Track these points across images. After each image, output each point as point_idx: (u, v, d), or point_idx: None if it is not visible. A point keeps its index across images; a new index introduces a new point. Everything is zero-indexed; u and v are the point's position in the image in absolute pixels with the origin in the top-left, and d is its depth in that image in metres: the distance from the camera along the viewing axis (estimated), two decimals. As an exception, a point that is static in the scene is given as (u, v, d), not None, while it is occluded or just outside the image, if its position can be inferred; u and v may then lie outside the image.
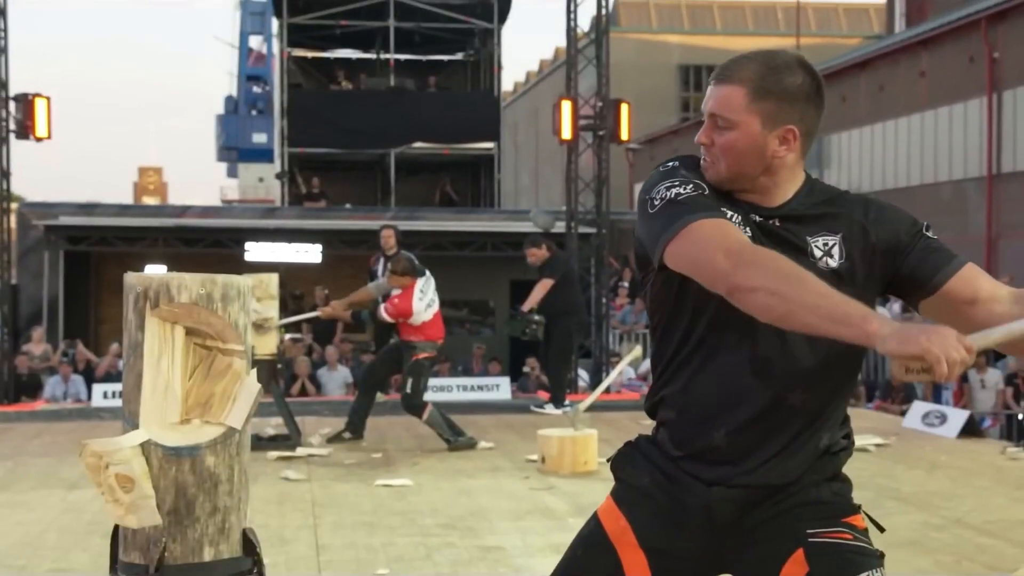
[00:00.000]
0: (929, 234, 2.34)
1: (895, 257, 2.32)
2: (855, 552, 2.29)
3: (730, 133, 2.30)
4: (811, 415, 2.33)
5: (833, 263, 2.29)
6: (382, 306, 9.07)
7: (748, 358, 2.29)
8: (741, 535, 2.33)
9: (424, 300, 9.01)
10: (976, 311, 2.26)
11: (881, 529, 2.44)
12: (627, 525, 2.40)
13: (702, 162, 2.36)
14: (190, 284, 2.39)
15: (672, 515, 2.35)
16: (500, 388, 13.60)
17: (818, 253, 2.30)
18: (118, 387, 12.14)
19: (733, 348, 2.29)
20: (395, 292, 9.07)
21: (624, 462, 2.48)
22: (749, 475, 2.30)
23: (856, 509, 2.40)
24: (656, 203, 2.30)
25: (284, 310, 13.25)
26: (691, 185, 2.31)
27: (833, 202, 2.37)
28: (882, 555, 2.33)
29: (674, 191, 2.29)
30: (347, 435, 9.28)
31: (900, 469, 8.15)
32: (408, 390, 8.96)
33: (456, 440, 8.95)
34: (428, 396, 12.11)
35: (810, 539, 2.28)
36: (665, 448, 2.39)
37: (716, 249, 2.17)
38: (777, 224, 2.30)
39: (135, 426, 2.31)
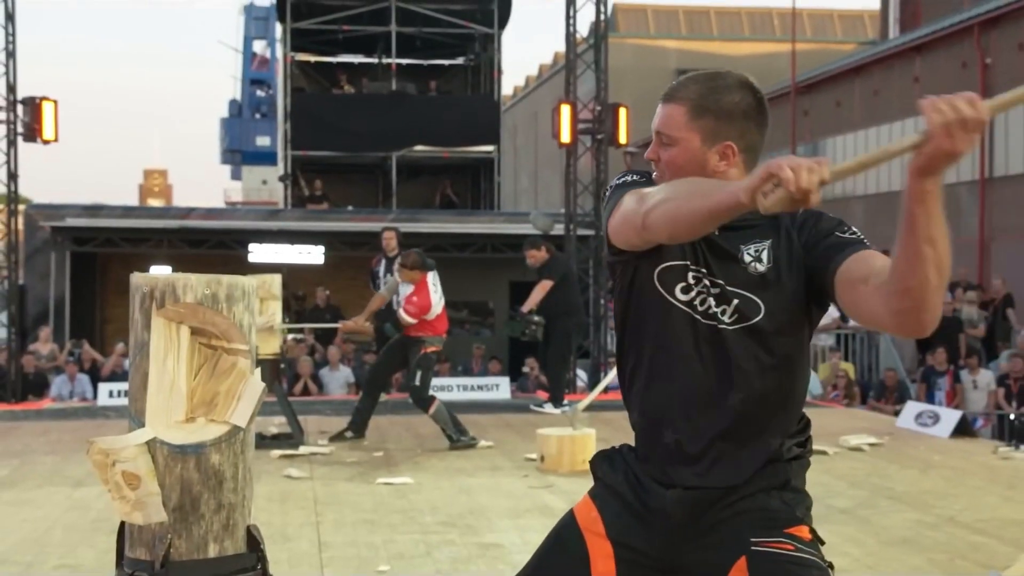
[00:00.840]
0: (845, 233, 2.34)
1: (806, 256, 2.35)
2: (794, 563, 2.30)
3: (673, 149, 2.39)
4: (756, 420, 2.37)
5: (761, 268, 2.35)
6: (401, 309, 9.00)
7: (696, 364, 2.36)
8: (695, 537, 2.38)
9: (437, 293, 9.03)
10: (868, 287, 2.18)
11: (821, 542, 2.39)
12: (598, 516, 2.48)
13: (653, 176, 2.45)
14: (195, 285, 2.40)
15: (637, 513, 2.43)
16: (500, 388, 13.60)
17: (748, 259, 2.36)
18: (123, 386, 12.14)
19: (681, 355, 2.37)
20: (407, 290, 9.04)
21: (602, 462, 2.58)
22: (700, 477, 2.37)
23: (801, 520, 2.38)
24: (606, 203, 2.44)
25: (287, 310, 13.26)
26: (634, 176, 2.45)
27: None
28: (829, 567, 2.35)
29: (617, 184, 2.45)
30: (349, 434, 9.28)
31: (894, 468, 8.15)
32: (417, 382, 8.96)
33: (459, 439, 8.94)
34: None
35: (753, 547, 2.32)
36: (636, 451, 2.51)
37: (632, 201, 2.29)
38: (716, 234, 2.35)
39: (141, 424, 2.32)
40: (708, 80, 2.43)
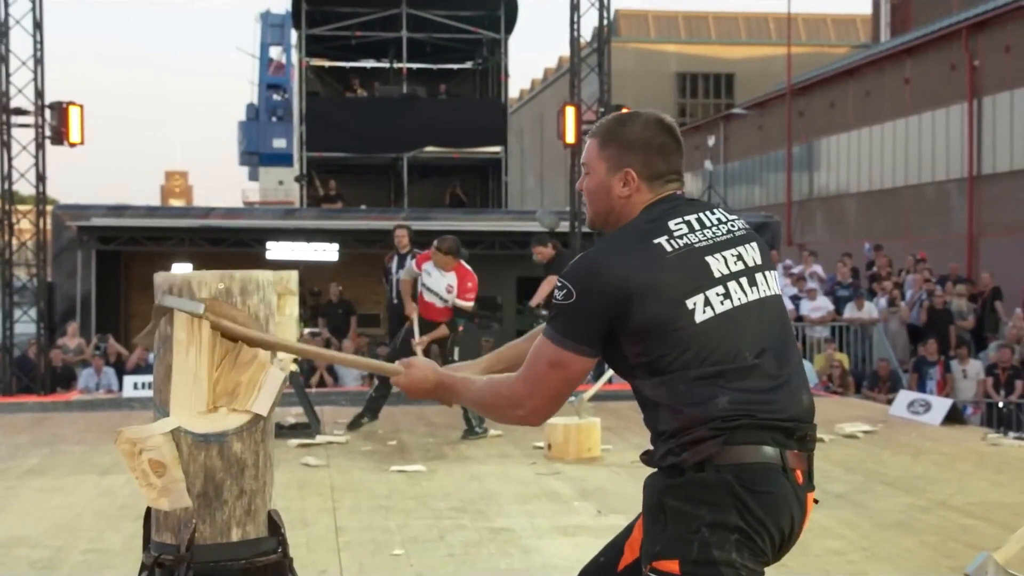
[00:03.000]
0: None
1: None
2: None
3: (588, 178, 2.51)
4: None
5: None
6: (460, 300, 8.95)
7: None
8: None
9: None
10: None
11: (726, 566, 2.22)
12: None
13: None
14: (209, 280, 2.41)
15: None
16: (508, 379, 13.58)
17: None
18: (147, 378, 12.17)
19: None
20: (446, 280, 8.99)
21: None
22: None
23: (665, 554, 2.24)
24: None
25: (303, 305, 13.27)
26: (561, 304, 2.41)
27: None
28: None
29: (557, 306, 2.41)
30: (365, 420, 9.27)
31: (887, 455, 8.14)
32: (456, 358, 8.86)
33: (476, 428, 8.88)
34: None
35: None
36: None
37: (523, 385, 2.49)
38: None
39: (166, 414, 2.32)
40: (618, 116, 2.54)
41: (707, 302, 2.30)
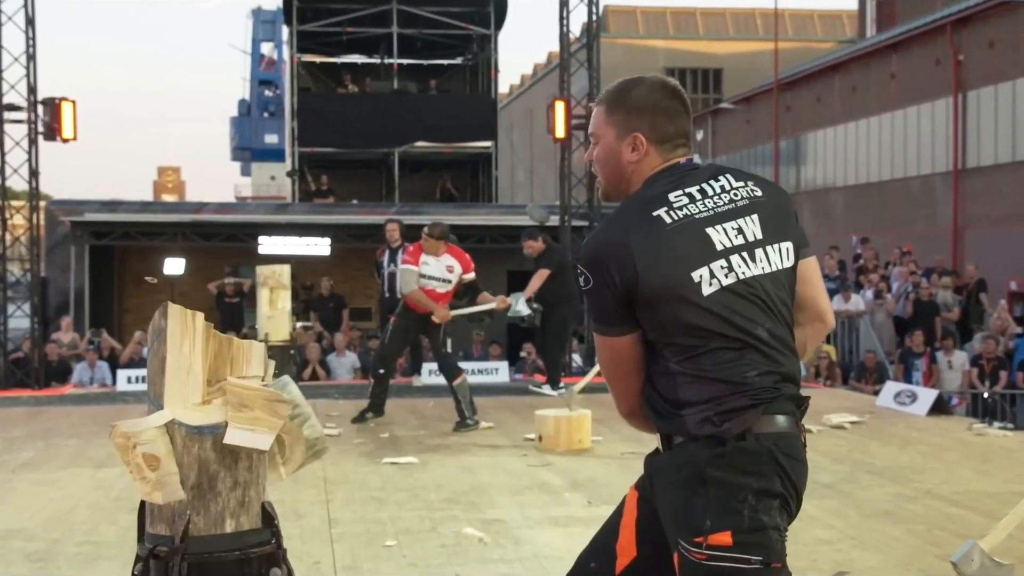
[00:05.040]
0: None
1: None
2: None
3: (597, 147, 2.49)
4: None
5: None
6: (468, 275, 9.14)
7: None
8: None
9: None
10: None
11: None
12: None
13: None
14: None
15: None
16: (499, 372, 13.59)
17: None
18: (141, 372, 12.14)
19: None
20: (444, 260, 9.06)
21: None
22: None
23: (716, 527, 2.24)
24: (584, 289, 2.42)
25: (295, 299, 13.25)
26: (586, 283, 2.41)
27: None
28: None
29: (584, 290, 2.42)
30: (369, 414, 9.29)
31: (874, 445, 8.16)
32: (448, 348, 8.97)
33: (468, 420, 8.90)
34: (428, 379, 12.16)
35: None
36: None
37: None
38: None
39: (160, 407, 2.31)
40: (624, 82, 2.51)
41: (712, 275, 2.30)
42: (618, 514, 2.52)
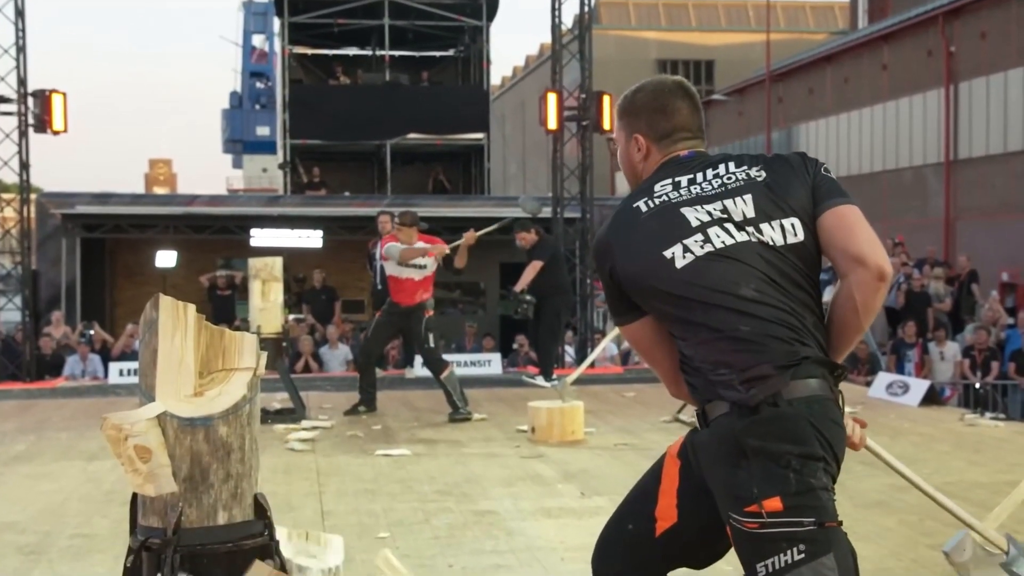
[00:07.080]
0: None
1: None
2: None
3: (618, 150, 2.68)
4: None
5: None
6: (442, 246, 9.19)
7: None
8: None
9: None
10: None
11: None
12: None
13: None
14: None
15: None
16: (492, 364, 13.60)
17: None
18: (133, 365, 12.12)
19: None
20: (420, 246, 9.11)
21: None
22: None
23: (764, 493, 2.25)
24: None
25: (287, 292, 13.22)
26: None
27: None
28: None
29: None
30: (362, 408, 9.31)
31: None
32: (431, 343, 9.01)
33: (461, 410, 8.92)
34: (420, 371, 12.15)
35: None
36: None
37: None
38: None
39: (151, 399, 2.31)
40: (634, 87, 2.67)
41: (686, 249, 2.35)
42: (655, 479, 2.54)
